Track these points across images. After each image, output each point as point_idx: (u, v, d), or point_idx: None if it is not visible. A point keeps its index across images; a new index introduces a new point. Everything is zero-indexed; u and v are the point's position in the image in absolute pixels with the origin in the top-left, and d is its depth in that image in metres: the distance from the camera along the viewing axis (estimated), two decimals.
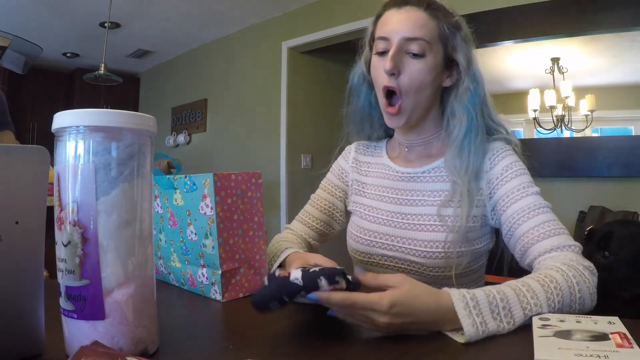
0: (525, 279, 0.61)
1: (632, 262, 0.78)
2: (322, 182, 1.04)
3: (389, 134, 1.00)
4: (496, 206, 0.80)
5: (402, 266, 0.85)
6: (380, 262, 0.88)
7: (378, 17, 0.86)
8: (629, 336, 0.44)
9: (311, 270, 0.51)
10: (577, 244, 0.71)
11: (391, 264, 0.86)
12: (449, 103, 0.85)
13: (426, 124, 0.88)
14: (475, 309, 0.53)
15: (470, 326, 0.52)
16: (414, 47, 0.78)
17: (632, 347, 0.41)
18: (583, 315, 0.52)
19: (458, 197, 0.80)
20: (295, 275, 0.50)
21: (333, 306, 0.52)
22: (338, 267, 0.54)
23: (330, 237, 1.00)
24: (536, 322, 0.51)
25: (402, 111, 0.82)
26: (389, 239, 0.86)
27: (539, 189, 0.77)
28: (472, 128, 0.80)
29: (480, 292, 0.55)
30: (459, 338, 0.52)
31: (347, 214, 1.00)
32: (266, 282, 0.52)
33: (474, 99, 0.81)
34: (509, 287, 0.58)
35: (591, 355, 0.40)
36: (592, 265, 0.67)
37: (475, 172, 0.81)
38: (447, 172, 0.84)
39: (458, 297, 0.54)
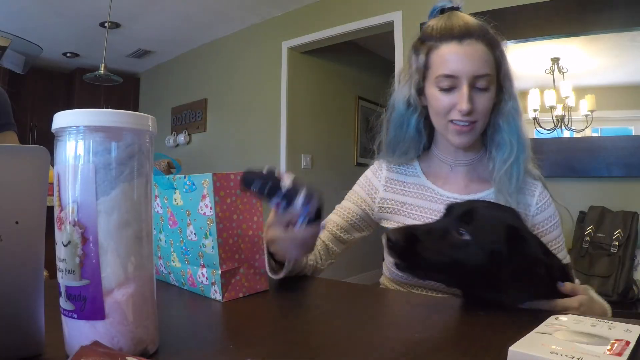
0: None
1: (489, 252, 0.62)
2: (348, 193, 1.02)
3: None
4: None
5: (444, 287, 0.84)
6: (421, 282, 0.87)
7: (431, 48, 0.84)
8: (631, 346, 0.43)
9: (301, 190, 0.61)
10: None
11: (433, 283, 0.85)
12: (494, 124, 0.86)
13: (475, 144, 0.89)
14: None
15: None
16: (482, 83, 0.80)
17: (619, 356, 0.40)
18: (605, 319, 0.51)
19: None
20: (287, 183, 0.60)
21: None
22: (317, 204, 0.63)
23: (349, 243, 0.99)
24: (550, 319, 0.51)
25: (472, 131, 0.84)
26: None
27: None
28: (521, 149, 0.82)
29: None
30: None
31: (372, 224, 0.99)
32: (265, 172, 0.61)
33: (519, 118, 0.83)
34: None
35: (566, 355, 0.40)
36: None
37: (519, 188, 0.83)
38: (495, 193, 0.85)
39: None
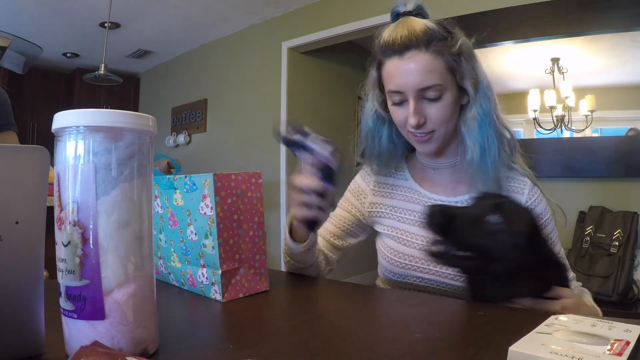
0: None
1: (515, 242, 0.63)
2: (340, 200, 1.02)
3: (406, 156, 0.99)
4: None
5: (438, 287, 0.87)
6: (415, 283, 0.89)
7: (380, 63, 0.84)
8: (631, 346, 0.43)
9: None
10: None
11: (426, 284, 0.88)
12: (458, 129, 0.85)
13: (452, 147, 0.89)
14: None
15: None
16: (432, 94, 0.78)
17: (619, 356, 0.40)
18: (606, 319, 0.51)
19: None
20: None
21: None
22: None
23: (344, 250, 1.00)
24: (550, 319, 0.51)
25: (433, 140, 0.83)
26: (425, 262, 0.87)
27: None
28: (484, 151, 0.81)
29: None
30: None
31: (366, 228, 1.00)
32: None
33: (483, 122, 0.81)
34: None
35: (566, 355, 0.40)
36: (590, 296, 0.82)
37: (496, 182, 0.83)
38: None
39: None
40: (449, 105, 0.80)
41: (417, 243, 0.88)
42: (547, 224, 0.86)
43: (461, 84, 0.81)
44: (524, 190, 0.86)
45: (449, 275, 0.85)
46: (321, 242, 0.98)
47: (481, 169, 0.82)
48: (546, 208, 0.87)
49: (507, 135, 0.86)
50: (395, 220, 0.93)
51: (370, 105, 0.91)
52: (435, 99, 0.79)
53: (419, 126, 0.80)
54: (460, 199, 0.88)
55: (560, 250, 0.85)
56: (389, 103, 0.85)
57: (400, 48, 0.78)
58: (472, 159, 0.82)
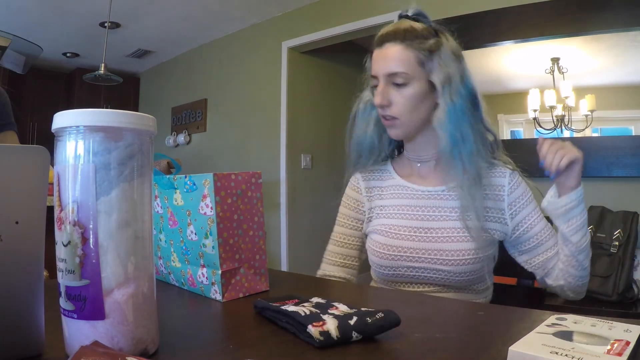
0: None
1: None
2: (337, 217, 1.05)
3: (393, 155, 1.05)
4: (518, 226, 0.92)
5: (429, 274, 0.90)
6: (406, 273, 0.91)
7: (371, 54, 0.95)
8: (631, 346, 0.43)
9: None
10: None
11: (417, 273, 0.91)
12: (432, 122, 0.91)
13: (431, 141, 0.93)
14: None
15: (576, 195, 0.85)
16: (397, 79, 0.88)
17: (619, 356, 0.40)
18: (606, 319, 0.51)
19: (471, 206, 0.87)
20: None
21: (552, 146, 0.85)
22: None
23: (358, 267, 1.02)
24: (550, 319, 0.51)
25: (398, 125, 0.91)
26: (414, 252, 0.90)
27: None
28: (453, 140, 0.87)
29: None
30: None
31: (366, 237, 1.02)
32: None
33: (452, 114, 0.87)
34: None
35: (566, 355, 0.40)
36: None
37: (474, 177, 0.87)
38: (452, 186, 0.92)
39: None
40: (414, 94, 0.88)
41: (405, 234, 0.92)
42: (528, 204, 0.92)
43: (430, 78, 0.88)
44: (506, 174, 0.92)
45: (440, 261, 0.88)
46: (336, 270, 1.00)
47: (453, 158, 0.87)
48: (526, 189, 0.93)
49: (490, 137, 0.93)
50: (383, 218, 0.96)
51: (366, 93, 1.00)
52: (401, 85, 0.88)
53: (382, 107, 0.90)
54: (445, 187, 0.93)
55: (545, 225, 0.92)
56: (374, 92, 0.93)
57: (382, 40, 0.90)
58: (443, 149, 0.88)
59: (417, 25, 0.90)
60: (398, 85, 0.88)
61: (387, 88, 0.89)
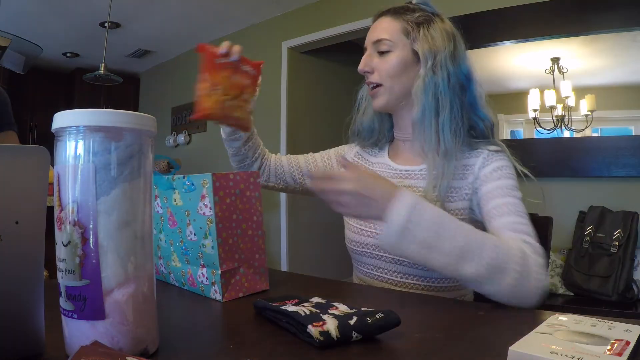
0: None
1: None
2: (322, 152, 1.12)
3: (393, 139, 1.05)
4: (480, 199, 0.85)
5: (394, 263, 0.88)
6: (374, 252, 0.91)
7: None
8: (631, 346, 0.43)
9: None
10: (541, 247, 0.75)
11: (384, 253, 0.89)
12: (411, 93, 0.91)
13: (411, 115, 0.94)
14: (417, 200, 0.68)
15: (400, 217, 0.66)
16: (381, 47, 0.90)
17: (619, 356, 0.40)
18: (606, 319, 0.51)
19: (432, 173, 0.86)
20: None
21: (315, 181, 0.71)
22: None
23: (293, 187, 1.10)
24: (550, 319, 0.51)
25: (381, 92, 0.92)
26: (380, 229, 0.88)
27: (521, 195, 0.83)
28: (427, 110, 0.87)
29: (428, 203, 0.70)
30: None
31: None
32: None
33: (429, 86, 0.87)
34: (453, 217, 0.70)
35: (566, 355, 0.40)
36: (544, 266, 0.71)
37: (444, 153, 0.86)
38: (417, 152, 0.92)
39: (406, 191, 0.69)
40: (396, 61, 0.89)
41: None
42: (499, 179, 0.83)
43: (414, 47, 0.89)
44: (480, 155, 0.88)
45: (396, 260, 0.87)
46: (285, 163, 1.09)
47: (424, 129, 0.87)
48: (502, 167, 0.85)
49: (484, 124, 0.91)
50: None
51: None
52: (384, 52, 0.90)
53: (365, 72, 0.93)
54: (417, 167, 0.93)
55: (506, 202, 0.80)
56: None
57: (376, 17, 0.95)
58: (415, 118, 0.88)
59: (412, 4, 0.93)
60: (382, 53, 0.90)
61: (371, 56, 0.92)
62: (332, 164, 1.08)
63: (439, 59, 0.87)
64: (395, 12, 0.92)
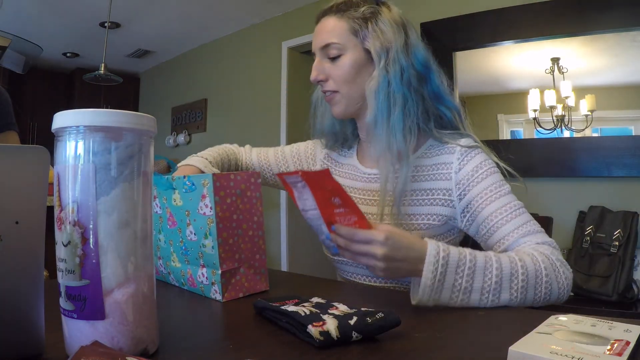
0: (501, 254, 0.69)
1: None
2: (292, 145, 1.11)
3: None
4: (468, 207, 0.81)
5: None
6: (368, 272, 0.89)
7: None
8: (631, 346, 0.42)
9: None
10: (553, 240, 0.75)
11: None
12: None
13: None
14: (443, 260, 0.64)
15: (430, 273, 0.63)
16: (331, 52, 0.85)
17: (619, 356, 0.40)
18: (606, 319, 0.51)
19: (384, 176, 0.82)
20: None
21: (338, 239, 0.65)
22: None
23: (268, 180, 1.10)
24: (550, 319, 0.51)
25: (339, 99, 0.88)
26: None
27: (510, 186, 0.81)
28: (378, 112, 0.82)
29: (453, 248, 0.66)
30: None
31: None
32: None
33: (382, 86, 0.82)
34: (482, 254, 0.68)
35: (566, 355, 0.40)
36: (564, 261, 0.73)
37: (396, 155, 0.81)
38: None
39: (432, 242, 0.65)
40: (348, 65, 0.84)
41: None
42: (482, 180, 0.80)
43: (365, 46, 0.84)
44: (455, 150, 0.84)
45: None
46: (256, 161, 1.09)
47: (377, 132, 0.83)
48: (481, 164, 0.81)
49: (450, 113, 0.86)
50: None
51: None
52: (335, 58, 0.85)
53: (319, 81, 0.88)
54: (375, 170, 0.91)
55: (502, 205, 0.78)
56: None
57: (319, 17, 0.88)
58: (368, 120, 0.84)
59: None
60: (333, 59, 0.85)
61: (322, 63, 0.87)
62: (300, 159, 1.08)
63: (392, 54, 0.82)
64: (339, 9, 0.85)
